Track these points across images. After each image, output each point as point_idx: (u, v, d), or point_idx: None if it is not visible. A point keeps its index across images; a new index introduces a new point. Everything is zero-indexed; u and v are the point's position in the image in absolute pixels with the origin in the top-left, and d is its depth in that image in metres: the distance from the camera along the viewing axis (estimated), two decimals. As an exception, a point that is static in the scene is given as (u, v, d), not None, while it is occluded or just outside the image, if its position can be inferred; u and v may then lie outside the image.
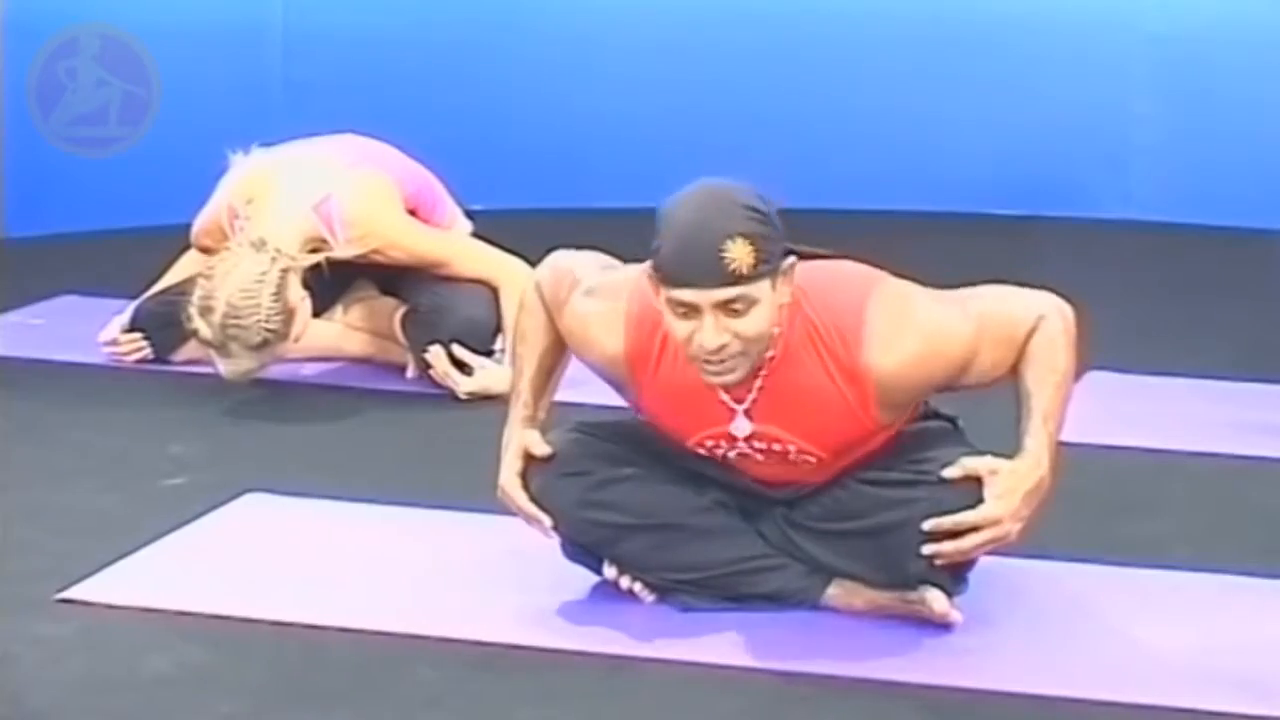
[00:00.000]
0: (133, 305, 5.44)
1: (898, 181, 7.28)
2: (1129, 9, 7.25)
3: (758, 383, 3.52)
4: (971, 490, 3.51)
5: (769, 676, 3.48)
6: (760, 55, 7.30)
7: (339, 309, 5.42)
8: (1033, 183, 7.31)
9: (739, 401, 3.55)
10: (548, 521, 3.68)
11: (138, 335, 5.36)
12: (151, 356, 5.35)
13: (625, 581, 3.72)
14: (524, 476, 3.70)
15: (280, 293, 4.91)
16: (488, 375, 5.10)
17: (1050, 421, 3.52)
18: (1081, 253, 6.73)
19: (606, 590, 3.76)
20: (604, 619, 3.68)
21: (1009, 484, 3.46)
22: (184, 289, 5.31)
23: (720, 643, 3.58)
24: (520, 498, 3.68)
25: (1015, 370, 3.58)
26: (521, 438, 3.71)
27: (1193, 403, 5.13)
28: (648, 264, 3.44)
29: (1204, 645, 3.62)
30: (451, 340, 5.12)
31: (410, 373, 5.28)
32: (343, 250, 5.08)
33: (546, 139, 7.35)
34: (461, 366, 5.12)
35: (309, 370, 5.35)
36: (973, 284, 3.65)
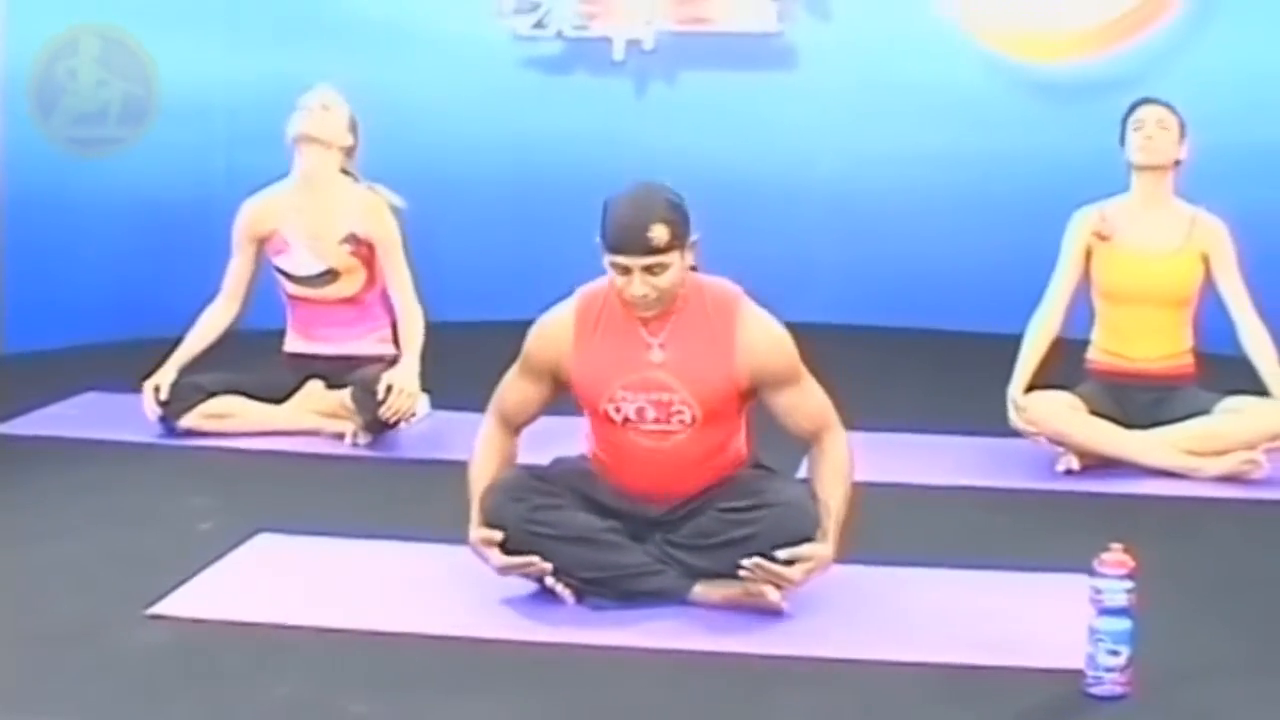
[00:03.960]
0: (165, 369, 5.28)
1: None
2: (810, 177, 7.30)
3: (668, 324, 3.68)
4: (793, 519, 3.63)
5: (659, 655, 3.50)
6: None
7: (297, 397, 5.34)
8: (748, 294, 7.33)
9: (655, 336, 3.68)
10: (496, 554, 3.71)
11: (159, 408, 5.20)
12: (164, 424, 5.20)
13: (560, 587, 3.71)
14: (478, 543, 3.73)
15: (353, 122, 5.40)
16: (400, 374, 5.13)
17: (839, 524, 3.69)
18: None
19: (537, 597, 3.75)
20: (538, 617, 3.67)
21: (807, 567, 3.61)
22: (191, 378, 5.25)
23: (619, 630, 3.60)
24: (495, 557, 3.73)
25: (816, 467, 3.76)
26: (479, 533, 3.74)
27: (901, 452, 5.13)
28: (597, 238, 3.60)
29: (938, 617, 3.68)
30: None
31: (348, 439, 5.19)
32: (352, 194, 5.32)
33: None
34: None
35: (283, 442, 5.21)
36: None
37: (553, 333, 3.79)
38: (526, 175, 7.29)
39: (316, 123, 5.28)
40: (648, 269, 3.57)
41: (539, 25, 7.27)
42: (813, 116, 7.26)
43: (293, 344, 5.44)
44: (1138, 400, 4.96)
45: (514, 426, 3.91)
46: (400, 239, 5.34)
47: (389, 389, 5.04)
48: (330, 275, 5.32)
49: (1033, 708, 3.21)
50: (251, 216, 5.40)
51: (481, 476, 3.82)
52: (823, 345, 6.82)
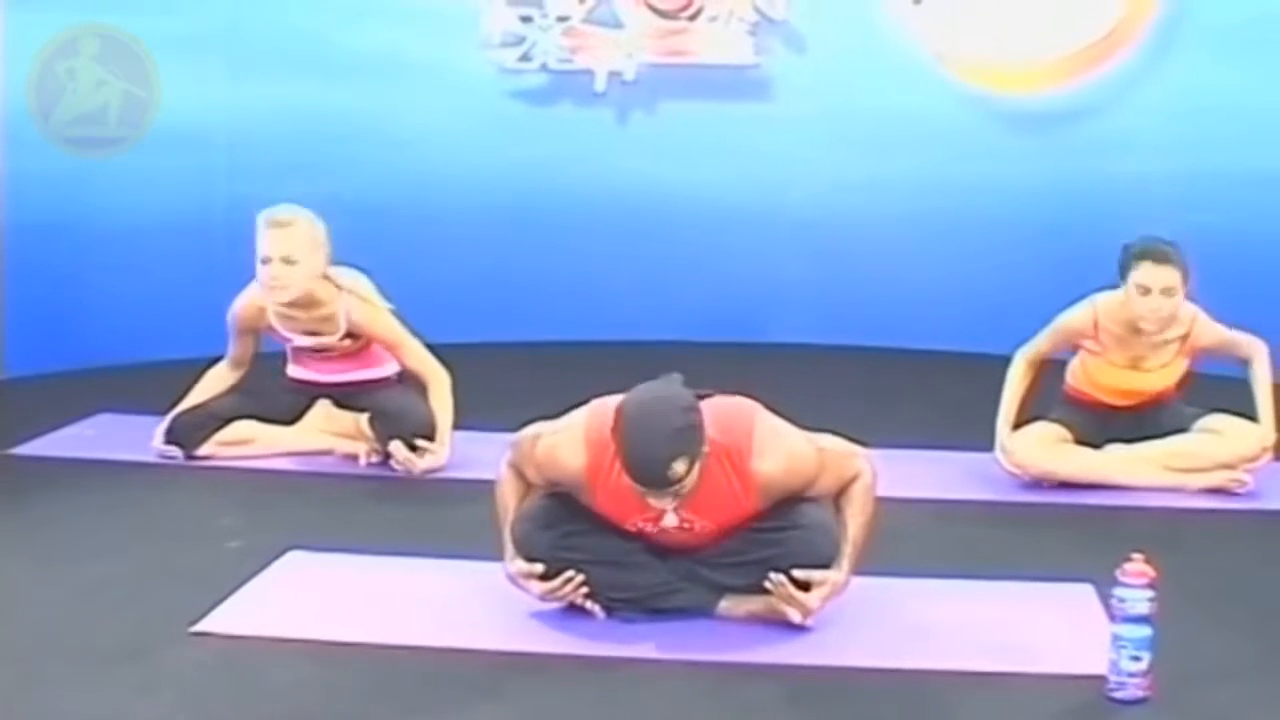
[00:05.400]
0: (169, 417, 5.20)
1: (646, 315, 7.32)
2: (785, 203, 7.34)
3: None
4: (815, 540, 3.65)
5: (684, 665, 3.51)
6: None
7: (308, 418, 5.30)
8: (725, 317, 7.40)
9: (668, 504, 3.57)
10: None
11: (173, 445, 5.16)
12: (184, 457, 5.15)
13: (590, 604, 3.73)
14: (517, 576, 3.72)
15: (317, 238, 5.03)
16: (434, 457, 5.06)
17: (856, 549, 3.68)
18: (759, 364, 6.71)
19: (567, 611, 3.74)
20: (572, 630, 3.68)
21: (823, 593, 3.62)
22: (204, 406, 5.22)
23: (647, 642, 3.62)
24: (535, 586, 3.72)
25: (839, 499, 3.73)
26: (515, 565, 3.73)
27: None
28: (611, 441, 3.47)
29: (957, 626, 3.70)
30: (412, 434, 5.05)
31: (362, 460, 5.17)
32: (343, 304, 5.10)
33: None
34: (414, 451, 5.05)
35: (300, 462, 5.17)
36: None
37: (564, 474, 3.67)
38: (513, 201, 7.30)
39: (285, 284, 5.00)
40: (673, 494, 3.48)
41: (525, 58, 7.28)
42: (788, 145, 7.30)
43: (296, 372, 5.34)
44: (1120, 420, 4.99)
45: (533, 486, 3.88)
46: (400, 330, 5.18)
47: (422, 452, 5.03)
48: (334, 349, 5.24)
49: (1060, 712, 3.25)
50: (245, 315, 5.21)
51: (508, 510, 3.82)
52: (796, 365, 7.05)
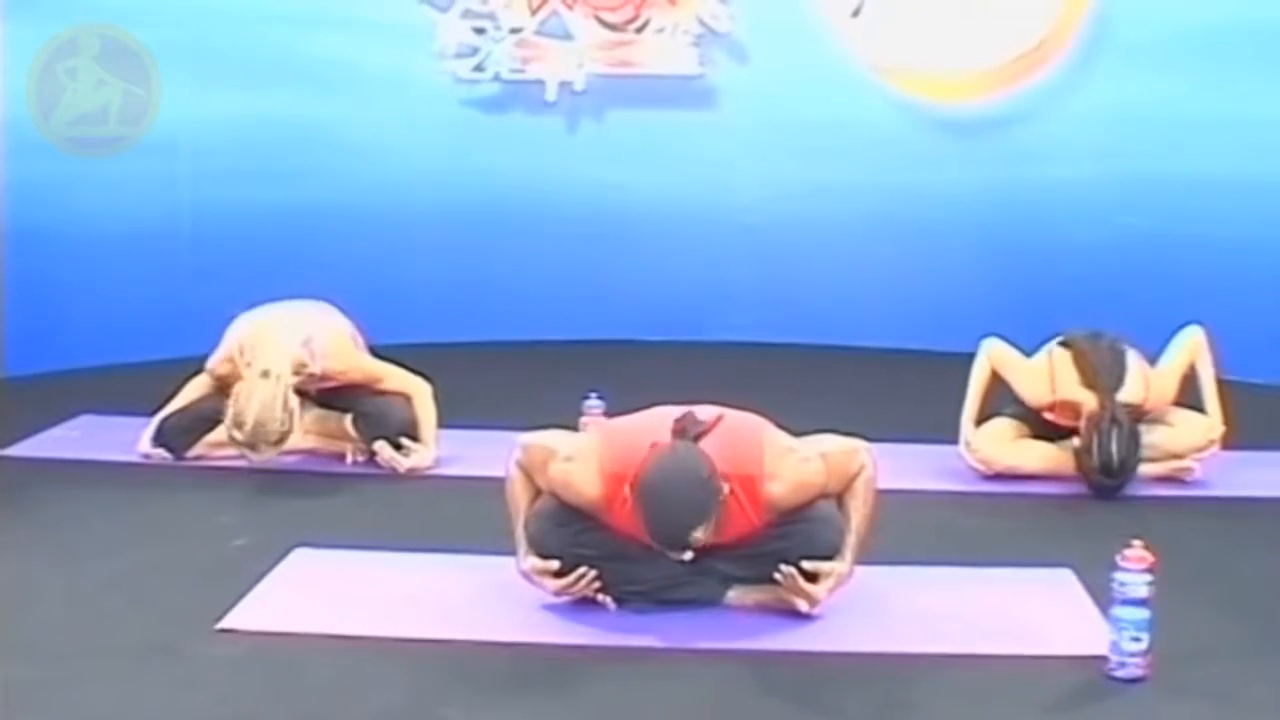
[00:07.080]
0: (155, 420, 5.15)
1: (596, 315, 7.32)
2: (728, 207, 7.35)
3: None
4: (822, 533, 3.68)
5: (698, 654, 3.53)
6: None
7: (294, 418, 5.24)
8: (673, 316, 7.42)
9: None
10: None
11: (162, 449, 5.11)
12: (173, 459, 5.11)
13: (602, 597, 3.75)
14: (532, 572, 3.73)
15: (286, 403, 4.82)
16: (418, 456, 5.05)
17: (858, 540, 3.72)
18: (706, 362, 6.75)
19: (579, 603, 3.74)
20: (589, 622, 3.68)
21: (829, 584, 3.66)
22: (191, 408, 5.16)
23: (661, 633, 3.63)
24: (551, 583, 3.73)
25: (842, 494, 3.76)
26: (530, 562, 3.74)
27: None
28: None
29: (955, 611, 3.73)
30: (398, 434, 5.04)
31: (349, 459, 5.13)
32: (317, 368, 4.99)
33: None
34: (398, 449, 5.04)
35: (287, 462, 5.04)
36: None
37: (578, 500, 3.69)
38: (467, 206, 7.28)
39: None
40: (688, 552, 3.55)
41: (478, 68, 7.26)
42: (731, 152, 7.33)
43: None
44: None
45: None
46: (374, 366, 5.15)
47: (406, 450, 5.03)
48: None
49: (1066, 691, 3.31)
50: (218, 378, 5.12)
51: (520, 509, 3.82)
52: (741, 362, 7.09)
